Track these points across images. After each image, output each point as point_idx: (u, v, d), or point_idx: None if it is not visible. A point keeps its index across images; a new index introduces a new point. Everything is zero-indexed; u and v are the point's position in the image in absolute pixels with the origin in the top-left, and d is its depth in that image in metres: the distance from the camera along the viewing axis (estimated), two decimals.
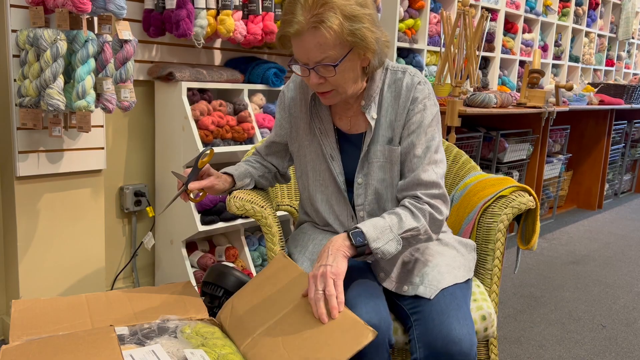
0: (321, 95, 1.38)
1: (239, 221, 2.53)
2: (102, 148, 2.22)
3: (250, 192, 1.52)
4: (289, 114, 1.54)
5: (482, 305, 1.46)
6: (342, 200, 1.48)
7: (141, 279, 2.63)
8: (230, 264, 2.55)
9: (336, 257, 1.25)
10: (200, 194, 1.49)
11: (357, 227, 1.29)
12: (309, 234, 1.54)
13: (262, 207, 1.50)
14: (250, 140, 2.55)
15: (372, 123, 1.41)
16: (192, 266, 2.51)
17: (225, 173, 1.55)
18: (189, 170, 1.45)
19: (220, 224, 2.45)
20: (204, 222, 2.40)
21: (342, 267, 1.24)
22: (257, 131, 2.57)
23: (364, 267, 1.43)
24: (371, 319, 1.23)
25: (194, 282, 2.43)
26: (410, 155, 1.40)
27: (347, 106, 1.46)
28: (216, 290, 2.26)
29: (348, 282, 1.33)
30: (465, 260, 1.48)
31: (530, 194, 1.56)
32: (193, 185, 1.45)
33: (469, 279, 1.44)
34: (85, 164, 2.18)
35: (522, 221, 1.62)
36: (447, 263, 1.41)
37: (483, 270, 1.56)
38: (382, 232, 1.29)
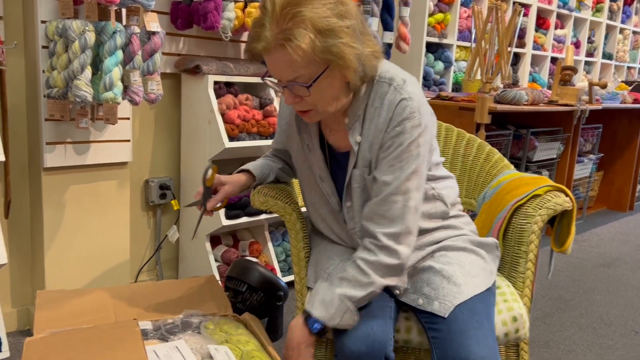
0: (300, 115, 1.27)
1: (263, 216, 2.51)
2: (129, 140, 2.22)
3: (274, 188, 1.49)
4: (284, 122, 1.45)
5: (513, 306, 1.41)
6: (339, 220, 1.41)
7: (165, 272, 2.63)
8: (254, 259, 2.53)
9: (299, 354, 1.24)
10: (220, 204, 1.46)
11: (309, 313, 1.24)
12: (317, 242, 1.51)
13: (286, 202, 1.47)
14: (275, 135, 2.53)
15: (356, 147, 1.28)
16: (216, 260, 2.50)
17: (242, 170, 1.51)
18: (201, 190, 1.42)
19: (245, 219, 2.44)
20: (228, 217, 2.39)
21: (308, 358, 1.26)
22: None
23: None
24: (358, 347, 1.21)
25: (217, 277, 2.42)
26: (379, 183, 1.24)
27: (335, 120, 1.32)
28: (240, 285, 2.24)
29: None
30: (486, 264, 1.38)
31: (566, 195, 1.50)
32: (210, 204, 1.41)
33: (490, 286, 1.36)
34: (111, 156, 2.18)
35: (556, 223, 1.56)
36: (465, 271, 1.32)
37: (515, 273, 1.51)
38: (336, 308, 1.22)
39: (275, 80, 1.21)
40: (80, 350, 1.14)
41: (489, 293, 1.34)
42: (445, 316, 1.26)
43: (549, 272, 1.71)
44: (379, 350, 1.22)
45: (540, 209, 1.48)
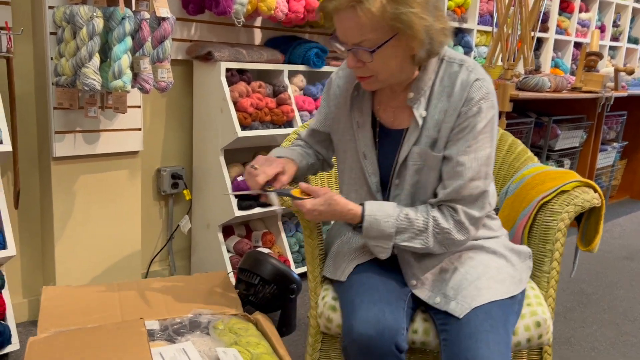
0: (360, 80, 1.26)
1: (276, 207, 2.45)
2: (139, 129, 2.17)
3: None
4: (333, 104, 1.41)
5: (537, 310, 1.34)
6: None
7: (177, 262, 2.60)
8: (267, 250, 2.48)
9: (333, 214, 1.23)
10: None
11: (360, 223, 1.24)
12: (342, 232, 1.45)
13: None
14: (289, 123, 2.46)
15: (420, 121, 1.25)
16: (229, 251, 2.46)
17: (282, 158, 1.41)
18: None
19: (257, 209, 2.38)
20: (240, 207, 2.33)
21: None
22: (296, 114, 2.47)
23: (391, 268, 1.33)
24: (366, 330, 1.15)
25: (229, 268, 2.38)
26: (454, 163, 1.23)
27: (392, 95, 1.31)
28: (252, 277, 2.20)
29: (366, 283, 1.25)
30: (515, 272, 1.33)
31: (595, 191, 1.42)
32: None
33: (516, 295, 1.29)
34: (122, 145, 2.13)
35: (583, 220, 1.48)
36: (490, 276, 1.27)
37: (539, 272, 1.44)
38: (383, 223, 1.23)
39: (340, 45, 1.20)
40: (84, 351, 1.10)
41: (513, 301, 1.28)
42: (460, 317, 1.20)
43: (572, 271, 1.63)
44: (388, 337, 1.16)
45: (567, 205, 1.40)
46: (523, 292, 1.34)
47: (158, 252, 2.53)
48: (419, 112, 1.26)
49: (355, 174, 1.37)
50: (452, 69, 1.25)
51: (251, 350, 1.17)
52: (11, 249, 1.81)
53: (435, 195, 1.28)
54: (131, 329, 1.19)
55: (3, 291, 1.86)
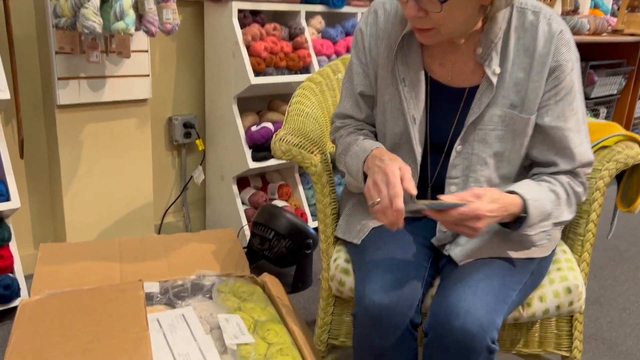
0: (418, 32, 1.07)
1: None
2: (147, 75, 2.05)
3: (299, 134, 1.31)
4: (370, 57, 1.20)
5: (567, 275, 1.22)
6: (414, 175, 1.19)
7: (192, 214, 2.53)
8: (283, 203, 2.39)
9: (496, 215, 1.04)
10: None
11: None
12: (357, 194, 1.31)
13: (312, 152, 1.29)
14: (306, 69, 2.31)
15: (494, 79, 1.09)
16: (243, 203, 2.38)
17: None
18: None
19: (272, 161, 2.28)
20: (255, 159, 2.23)
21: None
22: (314, 59, 2.32)
23: (412, 232, 1.21)
24: (380, 298, 1.04)
25: (244, 221, 2.30)
26: (562, 129, 1.11)
27: (451, 48, 1.13)
28: (267, 232, 2.12)
29: (382, 248, 1.14)
30: (545, 234, 1.19)
31: None
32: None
33: (535, 259, 1.17)
34: (129, 93, 2.03)
35: (625, 178, 1.34)
36: (509, 234, 1.15)
37: (573, 235, 1.31)
38: (540, 219, 1.10)
39: None
40: (75, 317, 1.03)
41: (530, 264, 1.16)
42: (459, 264, 1.11)
43: (609, 232, 1.50)
44: (403, 307, 1.05)
45: (608, 162, 1.26)
46: (547, 258, 1.21)
47: (172, 204, 2.46)
48: (492, 68, 1.09)
49: (396, 139, 1.20)
50: (526, 18, 1.09)
51: (255, 317, 1.09)
52: (15, 201, 1.75)
53: (529, 167, 1.18)
54: (128, 292, 1.12)
55: (10, 244, 1.81)
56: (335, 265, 1.25)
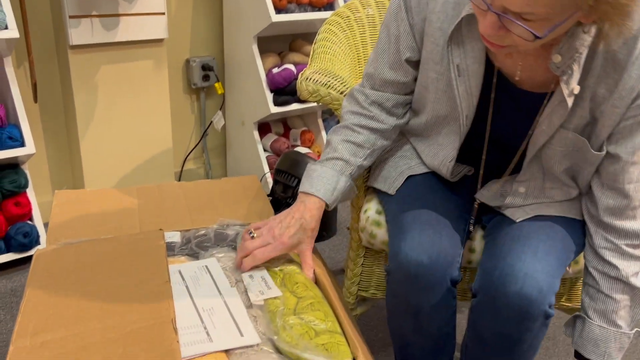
0: (490, 46, 0.86)
1: (316, 103, 2.24)
2: (163, 14, 1.94)
3: (327, 73, 1.21)
4: (418, 28, 1.01)
5: None
6: (449, 160, 1.07)
7: (212, 161, 2.46)
8: (306, 150, 2.30)
9: None
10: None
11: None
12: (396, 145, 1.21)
13: (341, 92, 1.18)
14: (330, 5, 2.17)
15: (570, 101, 0.89)
16: (265, 150, 2.29)
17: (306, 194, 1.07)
18: None
19: (295, 105, 2.18)
20: (276, 103, 2.13)
21: None
22: None
23: (452, 183, 1.12)
24: (417, 256, 0.95)
25: (266, 168, 2.23)
26: (628, 168, 0.92)
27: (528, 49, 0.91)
28: (290, 179, 2.04)
29: (420, 199, 1.04)
30: None
31: None
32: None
33: None
34: (144, 32, 1.92)
35: None
36: (575, 197, 1.05)
37: None
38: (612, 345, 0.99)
39: None
40: (93, 268, 0.97)
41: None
42: (517, 220, 1.01)
43: None
44: (443, 265, 0.96)
45: None
46: None
47: (191, 150, 2.39)
48: (570, 87, 0.87)
49: (442, 122, 1.06)
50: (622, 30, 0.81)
51: (282, 269, 1.02)
52: (30, 147, 1.69)
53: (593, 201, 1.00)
54: (148, 241, 1.05)
55: (27, 191, 1.76)
56: (365, 217, 1.17)
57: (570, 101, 0.89)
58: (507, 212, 1.04)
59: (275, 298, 0.94)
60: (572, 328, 1.04)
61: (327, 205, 1.05)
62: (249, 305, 0.95)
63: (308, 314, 0.89)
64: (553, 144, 0.97)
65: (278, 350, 0.86)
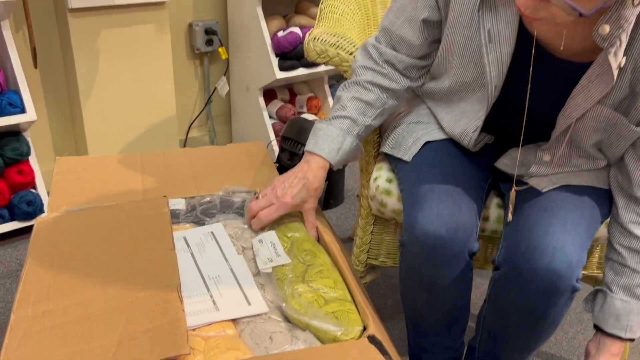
0: (527, 17, 0.79)
1: (322, 68, 2.18)
2: None
3: (336, 34, 1.16)
4: None
5: None
6: (473, 130, 1.02)
7: (217, 128, 2.42)
8: (313, 117, 2.26)
9: None
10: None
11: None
12: (412, 106, 1.15)
13: (351, 53, 1.14)
14: None
15: (615, 74, 0.82)
16: (271, 117, 2.25)
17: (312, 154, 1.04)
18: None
19: (301, 70, 2.12)
20: (282, 68, 2.08)
21: None
22: None
23: (476, 151, 1.07)
24: (436, 228, 0.91)
25: (272, 136, 2.19)
26: None
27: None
28: (296, 147, 2.00)
29: (437, 167, 1.00)
30: None
31: None
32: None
33: None
34: None
35: None
36: (602, 167, 1.00)
37: None
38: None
39: None
40: (95, 236, 0.94)
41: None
42: (543, 190, 0.96)
43: None
44: (462, 238, 0.92)
45: None
46: None
47: (196, 117, 2.35)
48: (618, 60, 0.81)
49: (466, 88, 1.00)
50: None
51: (290, 236, 0.99)
52: (31, 114, 1.65)
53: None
54: (152, 209, 1.02)
55: (30, 158, 1.73)
56: (375, 186, 1.13)
57: (616, 74, 0.82)
58: (532, 182, 1.00)
59: (283, 266, 0.91)
60: (591, 303, 1.00)
61: (331, 165, 1.02)
62: (257, 273, 0.92)
63: (317, 282, 0.87)
64: (586, 118, 0.91)
65: (287, 319, 0.84)
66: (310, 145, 1.04)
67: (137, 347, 0.72)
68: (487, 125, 1.05)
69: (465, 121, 1.03)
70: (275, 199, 0.98)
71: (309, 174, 1.00)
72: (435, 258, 0.93)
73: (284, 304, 0.84)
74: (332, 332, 0.79)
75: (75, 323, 0.76)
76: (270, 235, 0.99)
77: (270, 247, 0.95)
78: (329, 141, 1.02)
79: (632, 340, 0.96)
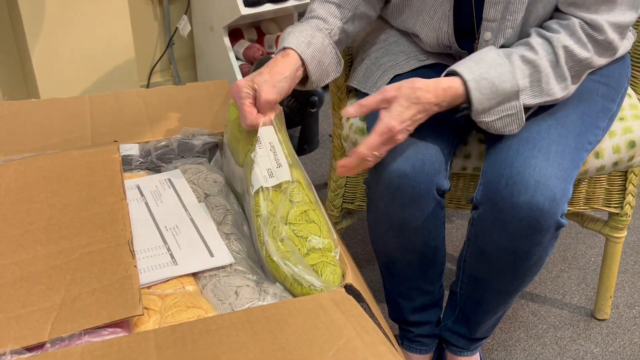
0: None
1: (291, 2, 2.04)
2: None
3: None
4: None
5: (632, 126, 1.02)
6: (447, 20, 0.94)
7: (181, 72, 2.28)
8: None
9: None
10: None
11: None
12: (381, 38, 1.06)
13: None
14: None
15: None
16: (238, 58, 2.11)
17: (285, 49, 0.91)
18: None
19: (269, 6, 1.98)
20: (247, 4, 1.93)
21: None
22: None
23: None
24: (399, 166, 0.85)
25: (239, 77, 2.06)
26: None
27: None
28: None
29: None
30: (605, 85, 0.96)
31: None
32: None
33: (611, 107, 0.96)
34: None
35: None
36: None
37: (638, 72, 1.09)
38: (497, 101, 0.83)
39: None
40: (36, 186, 0.84)
41: (603, 115, 0.94)
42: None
43: None
44: (429, 174, 0.86)
45: None
46: (619, 104, 1.00)
47: (157, 61, 2.20)
48: None
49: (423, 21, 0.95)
50: None
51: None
52: None
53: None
54: (101, 155, 0.92)
55: None
56: (349, 125, 1.04)
57: None
58: None
59: (279, 189, 0.79)
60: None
61: (303, 61, 0.88)
62: (221, 221, 0.83)
63: (301, 225, 0.78)
64: None
65: (253, 270, 0.76)
66: (278, 48, 0.92)
67: (82, 310, 0.63)
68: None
69: (437, 16, 0.94)
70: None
71: (274, 64, 0.88)
72: (402, 197, 0.86)
73: (262, 246, 0.75)
74: (315, 288, 0.71)
75: (12, 285, 0.67)
76: (270, 136, 0.83)
77: (270, 153, 0.83)
78: (296, 35, 0.90)
79: (465, 82, 0.82)
